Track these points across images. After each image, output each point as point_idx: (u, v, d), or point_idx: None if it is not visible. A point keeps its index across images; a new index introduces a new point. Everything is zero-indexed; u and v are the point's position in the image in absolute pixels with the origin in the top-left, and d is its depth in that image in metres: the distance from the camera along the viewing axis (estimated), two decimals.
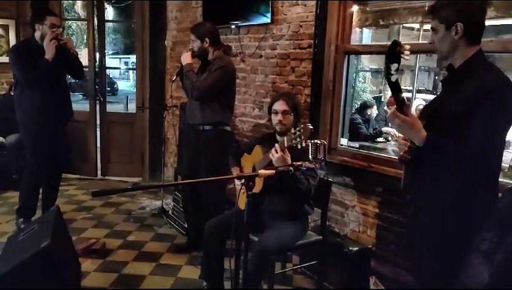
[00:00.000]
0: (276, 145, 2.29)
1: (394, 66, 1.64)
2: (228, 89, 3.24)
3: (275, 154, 2.26)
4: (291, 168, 1.89)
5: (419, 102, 5.18)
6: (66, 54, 3.55)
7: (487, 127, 1.65)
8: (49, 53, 3.39)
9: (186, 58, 3.20)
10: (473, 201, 1.75)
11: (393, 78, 1.67)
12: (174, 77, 3.38)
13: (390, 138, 4.67)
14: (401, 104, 1.71)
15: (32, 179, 3.75)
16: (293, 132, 2.10)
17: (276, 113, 2.58)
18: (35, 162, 3.70)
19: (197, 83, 3.08)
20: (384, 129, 4.82)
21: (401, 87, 1.75)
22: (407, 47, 1.65)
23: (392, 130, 4.70)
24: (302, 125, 2.08)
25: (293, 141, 2.10)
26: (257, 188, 2.47)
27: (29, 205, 3.74)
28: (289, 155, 2.26)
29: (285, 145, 2.19)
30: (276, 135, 2.65)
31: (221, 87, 3.15)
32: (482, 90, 1.66)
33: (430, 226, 1.88)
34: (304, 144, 2.04)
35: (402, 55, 1.65)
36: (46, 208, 3.71)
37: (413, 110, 4.67)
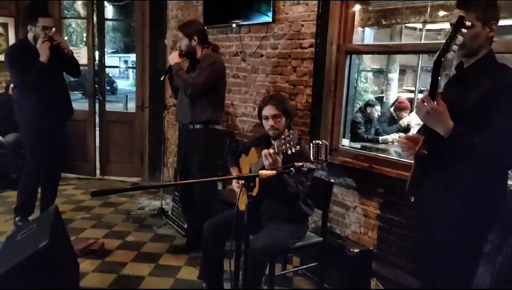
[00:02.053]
0: (265, 151, 2.27)
1: (459, 40, 1.62)
2: (218, 86, 3.22)
3: (267, 161, 2.25)
4: (292, 168, 1.87)
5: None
6: (61, 53, 3.53)
7: (507, 123, 1.64)
8: (44, 55, 3.37)
9: (173, 57, 3.18)
10: (490, 196, 1.76)
11: (450, 55, 1.64)
12: (163, 77, 3.36)
13: (390, 143, 4.66)
14: (434, 90, 1.69)
15: (31, 179, 3.74)
16: (283, 137, 2.12)
17: (267, 118, 2.53)
18: (35, 161, 3.68)
19: (190, 80, 3.06)
20: (382, 139, 4.81)
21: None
22: (468, 23, 1.64)
23: (391, 138, 4.69)
24: (291, 131, 2.12)
25: (283, 147, 2.10)
26: (254, 191, 2.45)
27: (28, 204, 3.73)
28: (281, 157, 2.24)
29: (276, 151, 2.19)
30: (271, 139, 2.62)
31: (213, 83, 3.13)
32: (502, 86, 1.67)
33: (444, 224, 1.85)
34: (293, 150, 2.05)
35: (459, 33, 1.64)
36: (45, 208, 3.69)
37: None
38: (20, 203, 3.73)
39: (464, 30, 1.66)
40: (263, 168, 2.32)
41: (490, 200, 1.76)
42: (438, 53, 1.68)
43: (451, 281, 1.87)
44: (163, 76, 3.35)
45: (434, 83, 1.69)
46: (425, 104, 1.70)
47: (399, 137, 4.65)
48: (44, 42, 3.37)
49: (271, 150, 2.23)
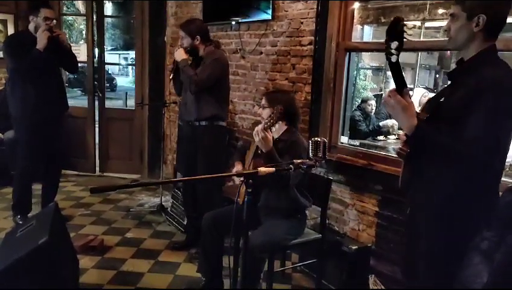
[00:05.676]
0: (258, 127, 2.37)
1: (394, 44, 1.58)
2: (222, 82, 3.23)
3: (257, 136, 2.36)
4: (291, 166, 1.88)
5: (422, 91, 5.18)
6: (59, 46, 3.54)
7: (484, 122, 1.57)
8: (41, 43, 3.37)
9: (180, 54, 3.18)
10: (470, 200, 1.68)
11: (393, 58, 1.60)
12: (171, 75, 3.35)
13: (390, 130, 4.66)
14: (400, 87, 1.67)
15: (24, 175, 3.72)
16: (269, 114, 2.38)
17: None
18: (28, 157, 3.66)
19: (194, 77, 3.08)
20: (382, 123, 4.80)
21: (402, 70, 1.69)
22: (410, 25, 1.60)
23: (390, 122, 4.68)
24: (266, 112, 2.49)
25: (268, 124, 2.31)
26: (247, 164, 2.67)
27: (23, 201, 3.72)
28: (271, 134, 2.39)
29: (265, 126, 2.34)
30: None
31: (217, 79, 3.15)
32: (481, 84, 1.59)
33: (425, 224, 1.83)
34: (276, 125, 2.36)
35: (404, 34, 1.59)
36: (46, 204, 3.69)
37: (417, 99, 4.65)
38: (16, 201, 3.73)
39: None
40: (257, 149, 2.47)
41: (469, 203, 1.68)
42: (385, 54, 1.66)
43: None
44: (172, 74, 3.34)
45: (398, 80, 1.67)
46: (391, 98, 1.68)
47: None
48: (44, 31, 3.39)
49: (260, 126, 2.35)
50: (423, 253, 1.86)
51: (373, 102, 5.24)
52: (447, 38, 1.81)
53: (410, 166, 1.86)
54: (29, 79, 3.46)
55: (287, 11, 3.53)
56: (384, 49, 1.62)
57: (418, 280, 1.93)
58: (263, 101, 2.65)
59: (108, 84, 14.86)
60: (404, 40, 1.60)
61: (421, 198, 1.84)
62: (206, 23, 4.03)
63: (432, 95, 5.35)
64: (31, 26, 3.51)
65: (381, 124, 4.80)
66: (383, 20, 3.28)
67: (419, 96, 5.02)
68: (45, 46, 3.38)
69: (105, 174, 5.54)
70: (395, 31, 1.59)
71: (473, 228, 1.79)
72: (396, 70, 1.65)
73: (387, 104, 1.74)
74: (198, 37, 3.17)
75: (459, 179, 1.67)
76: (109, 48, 24.50)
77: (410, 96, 1.73)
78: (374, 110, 5.21)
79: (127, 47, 23.74)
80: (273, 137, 2.45)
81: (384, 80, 7.49)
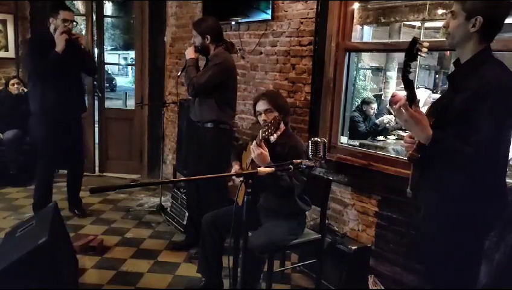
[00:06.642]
0: (254, 143, 2.34)
1: (414, 64, 1.65)
2: (225, 86, 3.18)
3: (253, 153, 2.31)
4: (291, 166, 1.88)
5: (428, 92, 5.17)
6: (78, 49, 3.60)
7: (492, 124, 1.60)
8: (59, 46, 3.43)
9: (189, 52, 3.19)
10: (483, 202, 1.70)
11: (410, 77, 1.66)
12: (180, 73, 3.35)
13: (387, 126, 4.65)
14: (411, 101, 1.69)
15: (43, 174, 3.75)
16: (266, 123, 2.23)
17: (260, 114, 2.59)
18: (46, 155, 3.69)
19: (194, 79, 3.07)
20: (378, 121, 4.78)
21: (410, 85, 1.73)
22: (426, 44, 1.62)
23: (386, 119, 4.68)
24: (272, 117, 2.30)
25: (265, 133, 2.20)
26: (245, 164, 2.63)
27: (44, 200, 3.71)
28: (267, 150, 2.32)
29: (260, 138, 2.26)
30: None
31: (217, 83, 3.11)
32: (486, 87, 1.61)
33: (438, 226, 1.83)
34: (275, 135, 2.21)
35: (419, 53, 1.63)
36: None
37: (423, 100, 4.64)
38: (36, 201, 3.74)
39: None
40: (253, 160, 2.40)
41: (483, 205, 1.71)
42: (402, 71, 1.71)
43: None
44: (180, 72, 3.34)
45: (411, 94, 1.69)
46: (404, 112, 1.69)
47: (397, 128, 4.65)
48: (62, 34, 3.44)
49: (254, 143, 2.31)
50: (435, 254, 1.87)
51: (375, 105, 5.23)
52: (446, 38, 1.82)
53: (421, 170, 1.86)
54: (47, 79, 3.51)
55: (286, 11, 3.53)
56: (403, 68, 1.67)
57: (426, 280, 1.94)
58: (265, 106, 2.55)
59: (108, 84, 14.90)
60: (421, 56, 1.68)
61: (437, 201, 1.83)
62: None
63: (436, 96, 5.37)
64: (52, 28, 3.57)
65: (377, 121, 4.80)
66: (382, 21, 3.28)
67: (425, 96, 5.03)
68: (63, 49, 3.44)
69: (104, 174, 5.55)
70: (413, 51, 1.64)
71: (484, 229, 1.82)
72: (410, 86, 1.70)
73: (399, 117, 1.74)
74: (208, 36, 3.14)
75: (474, 182, 1.69)
76: (109, 48, 24.55)
77: (419, 106, 1.75)
78: (375, 113, 5.21)
79: (126, 47, 23.76)
80: (270, 141, 2.45)
81: (384, 80, 7.49)
